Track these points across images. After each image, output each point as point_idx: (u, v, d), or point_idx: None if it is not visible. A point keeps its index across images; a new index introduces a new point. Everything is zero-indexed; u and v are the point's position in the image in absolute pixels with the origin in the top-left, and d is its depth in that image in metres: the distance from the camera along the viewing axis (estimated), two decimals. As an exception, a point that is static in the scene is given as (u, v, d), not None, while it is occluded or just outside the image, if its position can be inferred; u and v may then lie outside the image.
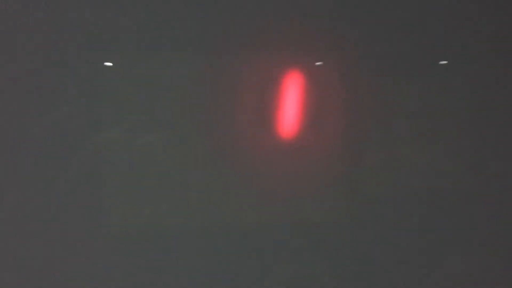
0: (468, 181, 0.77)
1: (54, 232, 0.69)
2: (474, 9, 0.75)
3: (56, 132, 0.68)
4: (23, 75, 0.67)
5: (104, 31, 0.69)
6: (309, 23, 0.73)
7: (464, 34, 0.75)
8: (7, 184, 0.68)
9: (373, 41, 0.74)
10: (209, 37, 0.71)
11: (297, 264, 0.74)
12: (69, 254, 0.70)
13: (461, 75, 0.76)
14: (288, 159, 0.74)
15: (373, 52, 0.74)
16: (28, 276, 0.69)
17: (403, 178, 0.76)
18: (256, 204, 0.73)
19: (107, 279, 0.71)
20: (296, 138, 0.74)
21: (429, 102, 0.76)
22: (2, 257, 0.68)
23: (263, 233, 0.73)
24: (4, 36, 0.67)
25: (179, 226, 0.72)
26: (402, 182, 0.76)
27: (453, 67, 0.76)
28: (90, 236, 0.70)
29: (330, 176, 0.75)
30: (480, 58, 0.76)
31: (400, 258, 0.76)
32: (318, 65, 0.74)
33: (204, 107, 0.72)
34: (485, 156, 0.76)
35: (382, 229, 0.75)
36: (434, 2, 0.75)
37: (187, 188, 0.72)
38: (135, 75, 0.70)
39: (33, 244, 0.69)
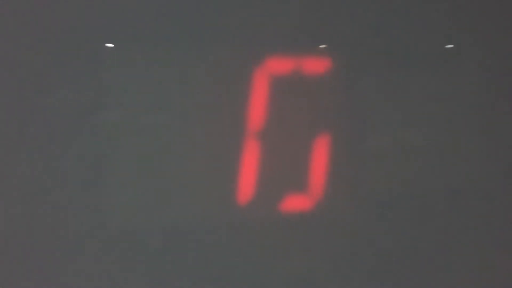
0: (476, 170, 0.76)
1: (56, 213, 0.67)
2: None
3: (58, 114, 0.65)
4: (24, 58, 0.65)
5: (106, 11, 0.66)
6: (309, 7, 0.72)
7: (470, 17, 0.74)
8: (8, 165, 0.65)
9: (375, 24, 0.73)
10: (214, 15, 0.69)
11: (296, 259, 0.73)
12: (71, 236, 0.67)
13: (468, 59, 0.74)
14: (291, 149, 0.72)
15: (375, 35, 0.73)
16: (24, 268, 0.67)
17: (408, 168, 0.75)
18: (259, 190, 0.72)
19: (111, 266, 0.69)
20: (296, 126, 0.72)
21: (435, 86, 0.74)
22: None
23: (267, 226, 0.72)
24: (3, 18, 0.64)
25: (183, 209, 0.70)
26: (405, 172, 0.75)
27: (459, 51, 0.74)
28: (90, 220, 0.68)
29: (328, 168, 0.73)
30: (487, 42, 0.74)
31: (402, 254, 0.75)
32: (322, 48, 0.72)
33: (209, 89, 0.70)
34: (493, 144, 0.75)
35: (383, 225, 0.74)
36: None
37: (191, 172, 0.70)
38: (136, 57, 0.68)
39: (34, 226, 0.66)
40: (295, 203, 0.73)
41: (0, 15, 0.64)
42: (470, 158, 0.76)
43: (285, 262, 0.73)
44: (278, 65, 0.72)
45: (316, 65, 0.72)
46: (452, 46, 0.74)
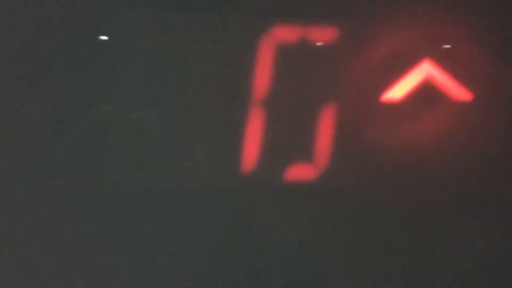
0: (471, 158, 0.75)
1: (49, 205, 0.68)
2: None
3: (50, 107, 0.66)
4: (19, 52, 0.65)
5: (101, 3, 0.67)
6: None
7: (467, 16, 0.73)
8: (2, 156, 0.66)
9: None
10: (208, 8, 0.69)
11: (300, 228, 0.73)
12: (65, 224, 0.68)
13: (465, 59, 0.74)
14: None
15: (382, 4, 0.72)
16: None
17: (414, 137, 0.74)
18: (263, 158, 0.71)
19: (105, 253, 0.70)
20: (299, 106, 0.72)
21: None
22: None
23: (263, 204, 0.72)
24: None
25: (187, 177, 0.71)
26: (412, 142, 0.74)
27: (456, 50, 0.73)
28: (85, 210, 0.69)
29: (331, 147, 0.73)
30: (483, 41, 0.73)
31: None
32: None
33: (214, 56, 0.69)
34: (488, 137, 0.75)
35: (388, 195, 0.74)
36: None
37: (196, 140, 0.70)
38: (130, 51, 0.68)
39: (27, 214, 0.67)
40: (300, 172, 0.72)
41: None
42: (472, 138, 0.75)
43: (288, 232, 0.73)
44: (284, 33, 0.71)
45: (322, 34, 0.72)
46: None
